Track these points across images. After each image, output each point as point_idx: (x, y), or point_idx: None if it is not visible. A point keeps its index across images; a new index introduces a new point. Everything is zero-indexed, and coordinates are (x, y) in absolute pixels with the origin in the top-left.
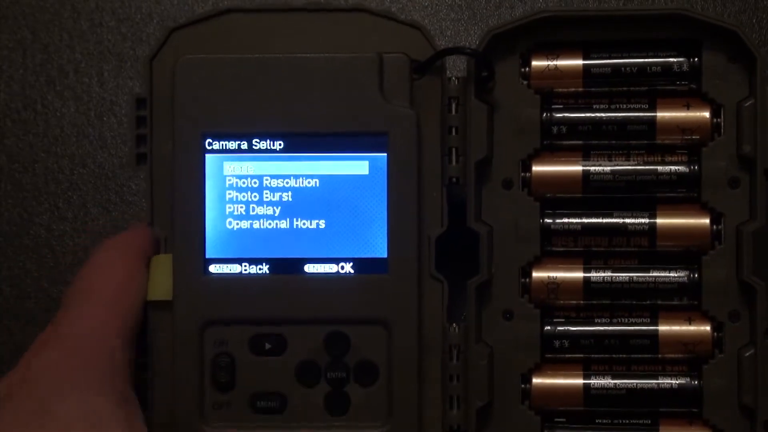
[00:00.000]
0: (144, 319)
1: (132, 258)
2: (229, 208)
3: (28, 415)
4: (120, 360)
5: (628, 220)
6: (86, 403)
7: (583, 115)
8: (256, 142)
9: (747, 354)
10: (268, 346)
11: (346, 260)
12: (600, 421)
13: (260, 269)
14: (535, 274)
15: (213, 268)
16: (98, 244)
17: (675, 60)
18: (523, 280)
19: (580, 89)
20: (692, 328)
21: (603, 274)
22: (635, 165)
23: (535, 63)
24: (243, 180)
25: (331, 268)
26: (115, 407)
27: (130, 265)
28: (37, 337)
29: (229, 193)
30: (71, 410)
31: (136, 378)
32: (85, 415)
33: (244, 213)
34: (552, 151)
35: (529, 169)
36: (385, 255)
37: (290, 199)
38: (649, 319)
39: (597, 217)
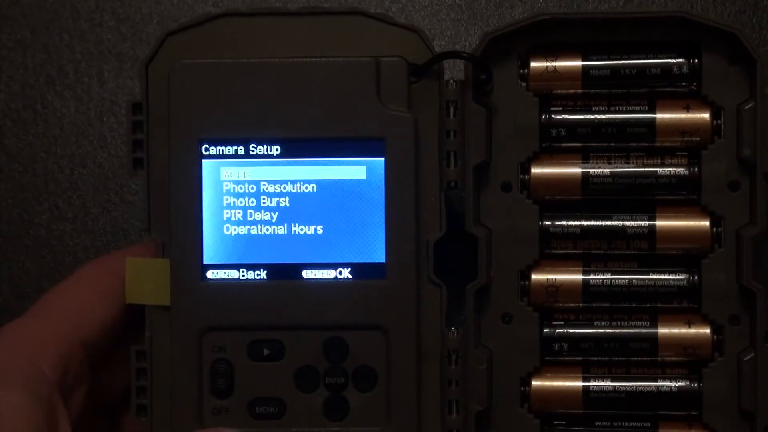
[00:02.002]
0: (140, 325)
1: (106, 278)
2: (227, 213)
3: None
4: (49, 370)
5: (627, 223)
6: None
7: (582, 117)
8: (253, 147)
9: (747, 358)
10: (266, 351)
11: (344, 266)
12: (599, 423)
13: (258, 275)
14: (534, 277)
15: (211, 274)
16: (82, 265)
17: (675, 61)
18: (522, 283)
19: (579, 91)
20: (692, 331)
21: (602, 277)
22: (635, 167)
23: (533, 65)
24: (240, 185)
25: (329, 273)
26: (30, 411)
27: (102, 285)
28: None
29: (227, 199)
30: None
31: (135, 381)
32: None
33: (241, 218)
34: (551, 153)
35: (528, 172)
36: (383, 260)
37: (288, 205)
38: (648, 322)
39: (596, 219)
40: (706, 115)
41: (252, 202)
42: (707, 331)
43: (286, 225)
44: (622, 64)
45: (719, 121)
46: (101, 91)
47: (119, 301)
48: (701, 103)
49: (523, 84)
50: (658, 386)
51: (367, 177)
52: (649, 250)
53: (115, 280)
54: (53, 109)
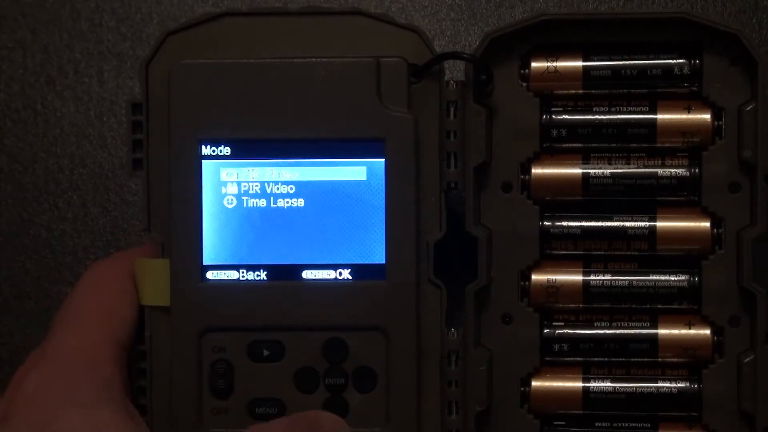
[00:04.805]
0: (140, 325)
1: (120, 279)
2: (226, 214)
3: None
4: (112, 376)
5: (627, 224)
6: (90, 414)
7: (582, 117)
8: (252, 147)
9: (747, 359)
10: (266, 352)
11: (343, 266)
12: (599, 424)
13: (258, 275)
14: (535, 278)
15: (210, 275)
16: (87, 268)
17: (676, 62)
18: (522, 283)
19: (580, 91)
20: (692, 332)
21: (603, 278)
22: (635, 168)
23: (534, 65)
24: (240, 186)
25: (329, 274)
26: (120, 418)
27: (118, 286)
28: (27, 358)
29: (226, 200)
30: (76, 423)
31: (134, 383)
32: (90, 426)
33: (241, 219)
34: (551, 154)
35: (529, 172)
36: (383, 261)
37: (288, 205)
38: (648, 323)
39: (597, 220)
40: (707, 116)
41: (252, 203)
42: (707, 332)
43: (286, 225)
44: (623, 64)
45: (720, 122)
46: (101, 91)
47: (135, 300)
48: (702, 104)
49: (524, 84)
50: (658, 387)
51: (367, 178)
52: (649, 251)
53: (127, 280)
54: (53, 109)
